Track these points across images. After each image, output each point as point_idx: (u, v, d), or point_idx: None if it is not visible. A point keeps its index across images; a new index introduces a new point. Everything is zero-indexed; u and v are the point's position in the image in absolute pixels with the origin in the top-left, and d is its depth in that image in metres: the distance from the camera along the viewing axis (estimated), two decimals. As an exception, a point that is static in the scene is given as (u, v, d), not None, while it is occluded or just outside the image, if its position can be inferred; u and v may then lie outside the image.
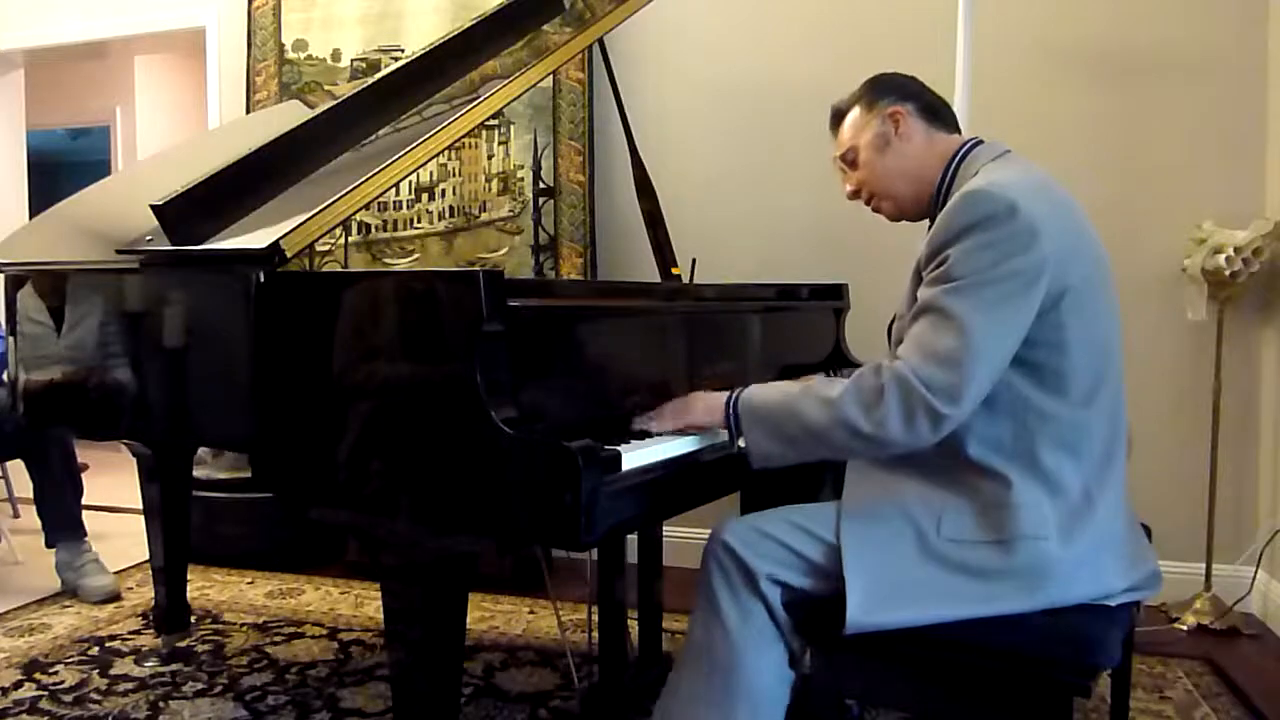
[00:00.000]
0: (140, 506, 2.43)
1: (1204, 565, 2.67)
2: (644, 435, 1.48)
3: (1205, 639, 2.55)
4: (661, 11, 2.96)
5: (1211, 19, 2.74)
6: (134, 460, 2.40)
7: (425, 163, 1.78)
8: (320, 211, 1.57)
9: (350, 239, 3.25)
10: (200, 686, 2.24)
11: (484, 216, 3.26)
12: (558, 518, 1.24)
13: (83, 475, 3.05)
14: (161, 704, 2.14)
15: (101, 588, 2.86)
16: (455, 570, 1.45)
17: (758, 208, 3.11)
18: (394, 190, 2.71)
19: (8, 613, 2.76)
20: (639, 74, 3.10)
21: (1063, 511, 1.33)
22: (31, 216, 3.93)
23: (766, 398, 1.39)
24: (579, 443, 1.24)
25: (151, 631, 2.55)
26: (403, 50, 3.30)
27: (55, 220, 2.34)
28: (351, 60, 3.41)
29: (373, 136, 2.04)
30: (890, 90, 1.55)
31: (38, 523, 2.99)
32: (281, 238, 1.52)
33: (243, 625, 2.66)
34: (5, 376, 2.66)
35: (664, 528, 2.21)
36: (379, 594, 1.53)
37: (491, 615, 2.72)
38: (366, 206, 1.90)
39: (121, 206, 2.19)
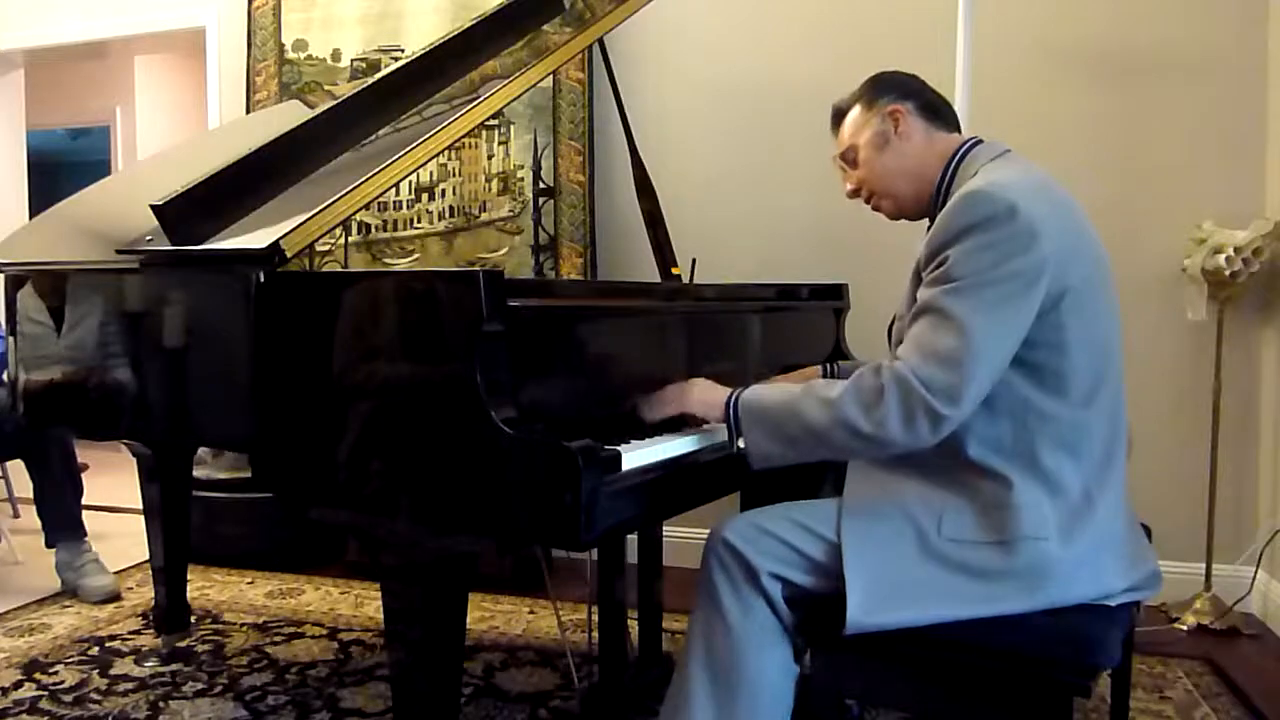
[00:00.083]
0: (140, 506, 2.43)
1: (1204, 565, 2.67)
2: (644, 433, 1.48)
3: (1205, 639, 2.55)
4: (661, 11, 2.96)
5: (1211, 19, 2.74)
6: (134, 460, 2.40)
7: (425, 163, 1.78)
8: (320, 211, 1.57)
9: (350, 239, 3.25)
10: (200, 686, 2.24)
11: (484, 216, 3.26)
12: (557, 517, 1.24)
13: (83, 475, 3.05)
14: (161, 704, 2.14)
15: (101, 588, 2.86)
16: (455, 570, 1.45)
17: (758, 208, 3.11)
18: (394, 190, 2.71)
19: (8, 613, 2.76)
20: (639, 74, 3.10)
21: (1063, 512, 1.33)
22: (31, 216, 3.93)
23: (767, 398, 1.39)
24: (579, 443, 1.24)
25: (151, 631, 2.55)
26: (403, 50, 3.30)
27: (55, 220, 2.34)
28: (351, 60, 3.41)
29: (373, 136, 2.04)
30: (890, 89, 1.55)
31: (38, 523, 2.99)
32: (281, 238, 1.52)
33: (243, 625, 2.66)
34: (5, 376, 2.66)
35: (664, 528, 2.21)
36: (379, 594, 1.53)
37: (491, 615, 2.72)
38: (366, 206, 1.90)
39: (121, 206, 2.19)
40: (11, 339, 2.15)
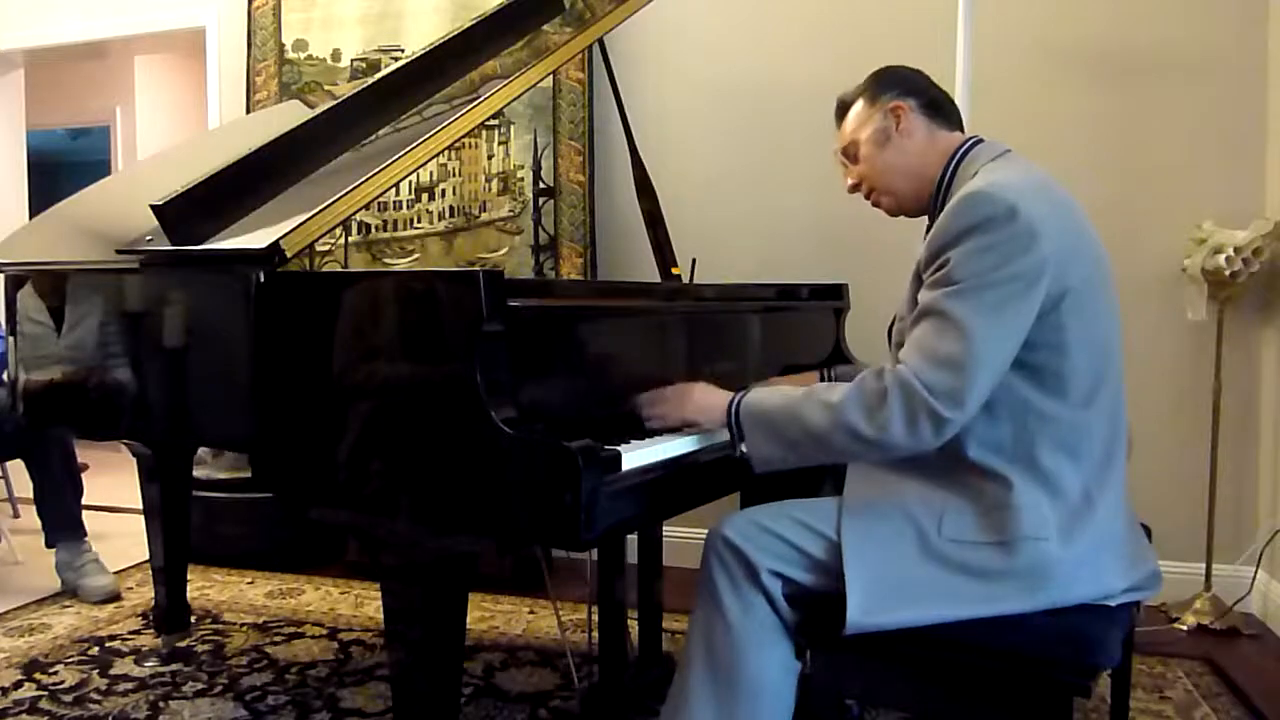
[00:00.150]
0: (140, 506, 2.43)
1: (1204, 565, 2.67)
2: (644, 433, 1.48)
3: (1205, 639, 2.55)
4: (661, 11, 2.96)
5: (1211, 19, 2.74)
6: (134, 460, 2.40)
7: (425, 163, 1.78)
8: (320, 211, 1.57)
9: (350, 239, 3.25)
10: (200, 686, 2.24)
11: (484, 216, 3.26)
12: (557, 517, 1.24)
13: (83, 475, 3.05)
14: (161, 704, 2.14)
15: (101, 588, 2.86)
16: (455, 570, 1.45)
17: (758, 208, 3.11)
18: (394, 190, 2.71)
19: (8, 613, 2.76)
20: (639, 74, 3.10)
21: (1063, 512, 1.33)
22: (31, 216, 3.93)
23: (768, 402, 1.39)
24: (579, 443, 1.24)
25: (151, 631, 2.55)
26: (403, 50, 3.30)
27: (55, 220, 2.34)
28: (351, 60, 3.41)
29: (373, 136, 2.04)
30: (894, 84, 1.54)
31: (38, 523, 2.99)
32: (281, 238, 1.52)
33: (243, 625, 2.66)
34: (5, 376, 2.66)
35: (664, 528, 2.21)
36: (379, 594, 1.53)
37: (491, 615, 2.72)
38: (366, 206, 1.90)
39: (121, 206, 2.19)
40: (11, 339, 2.15)
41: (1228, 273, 2.52)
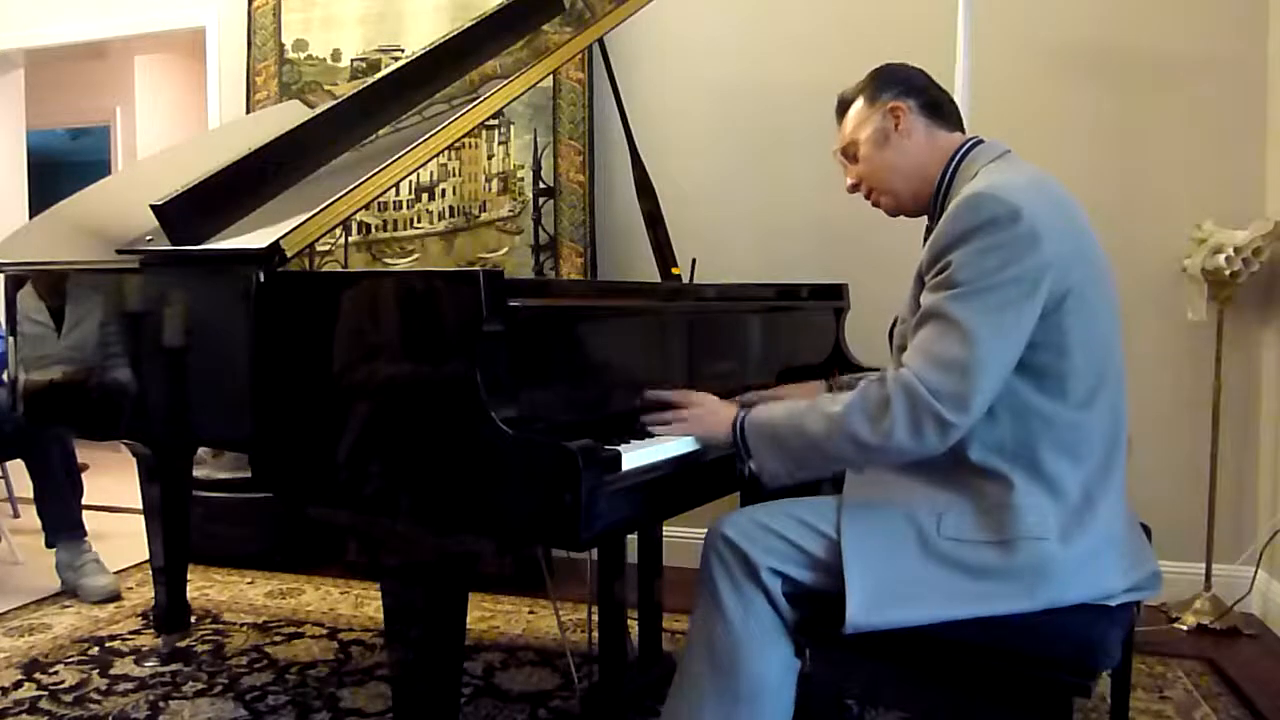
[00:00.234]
0: (140, 506, 2.44)
1: (1204, 565, 2.67)
2: (644, 433, 1.48)
3: (1205, 639, 2.55)
4: (661, 11, 2.96)
5: (1211, 19, 2.74)
6: (134, 460, 2.40)
7: (425, 163, 1.78)
8: (320, 211, 1.57)
9: (350, 239, 3.25)
10: (200, 686, 2.24)
11: (484, 216, 3.26)
12: (558, 517, 1.24)
13: (83, 475, 3.06)
14: (161, 704, 2.14)
15: (101, 588, 2.86)
16: (455, 570, 1.45)
17: (758, 208, 3.11)
18: (394, 190, 2.71)
19: (8, 613, 2.76)
20: (639, 74, 3.10)
21: (1063, 512, 1.32)
22: (31, 216, 3.93)
23: (771, 417, 1.39)
24: (579, 443, 1.24)
25: (151, 631, 2.55)
26: (403, 50, 3.30)
27: (55, 220, 2.34)
28: (351, 60, 3.41)
29: (373, 136, 2.04)
30: (893, 84, 1.53)
31: (38, 523, 2.99)
32: (281, 238, 1.52)
33: (243, 625, 2.66)
34: (5, 376, 2.66)
35: (664, 528, 2.21)
36: (379, 594, 1.53)
37: (491, 615, 2.72)
38: (366, 206, 1.90)
39: (121, 206, 2.19)
40: (11, 339, 2.15)
41: (1228, 273, 2.52)
